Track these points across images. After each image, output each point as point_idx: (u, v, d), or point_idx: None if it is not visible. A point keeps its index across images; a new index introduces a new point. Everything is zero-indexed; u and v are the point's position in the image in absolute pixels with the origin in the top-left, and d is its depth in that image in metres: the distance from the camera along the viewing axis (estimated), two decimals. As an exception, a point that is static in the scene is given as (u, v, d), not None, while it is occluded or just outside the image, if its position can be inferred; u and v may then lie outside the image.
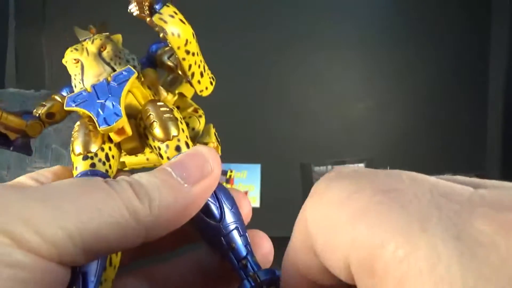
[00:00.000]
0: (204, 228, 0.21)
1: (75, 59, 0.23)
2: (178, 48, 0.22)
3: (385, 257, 0.12)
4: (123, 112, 0.20)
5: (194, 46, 0.23)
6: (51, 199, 0.16)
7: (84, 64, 0.22)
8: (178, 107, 0.25)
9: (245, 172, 1.28)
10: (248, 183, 1.28)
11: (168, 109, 0.22)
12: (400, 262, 0.12)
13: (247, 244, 0.21)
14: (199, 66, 0.23)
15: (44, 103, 0.23)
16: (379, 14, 1.26)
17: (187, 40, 0.22)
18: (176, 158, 0.20)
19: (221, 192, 0.21)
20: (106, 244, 0.16)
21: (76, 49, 0.23)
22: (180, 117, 0.22)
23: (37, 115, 0.23)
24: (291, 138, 1.23)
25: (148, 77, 0.24)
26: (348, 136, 1.24)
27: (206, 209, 0.20)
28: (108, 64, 0.22)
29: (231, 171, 1.28)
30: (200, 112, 0.26)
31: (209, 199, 0.20)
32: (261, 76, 1.24)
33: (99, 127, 0.20)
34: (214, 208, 0.21)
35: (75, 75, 0.23)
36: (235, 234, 0.21)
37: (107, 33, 0.23)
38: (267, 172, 1.24)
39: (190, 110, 0.26)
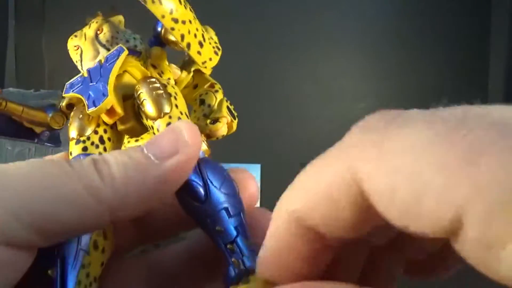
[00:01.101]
0: (189, 210, 0.19)
1: (75, 46, 0.23)
2: (163, 17, 0.21)
3: None
4: (109, 92, 0.20)
5: (183, 14, 0.21)
6: None
7: (82, 49, 0.22)
8: (196, 85, 0.24)
9: (245, 172, 1.28)
10: (248, 183, 1.28)
11: (159, 85, 0.20)
12: None
13: (238, 225, 0.18)
14: (195, 36, 0.22)
15: (64, 95, 0.23)
16: (379, 14, 1.26)
17: (172, 8, 0.21)
18: (153, 136, 0.19)
19: (209, 170, 0.19)
20: (63, 225, 0.16)
21: (76, 36, 0.23)
22: (175, 92, 0.21)
23: (59, 107, 0.23)
24: (291, 138, 1.23)
25: (154, 56, 0.23)
26: (348, 136, 1.24)
27: (190, 189, 0.19)
28: (104, 46, 0.22)
29: (231, 171, 1.28)
30: (217, 87, 0.24)
31: (193, 178, 0.19)
32: (261, 76, 1.24)
33: (87, 110, 0.20)
34: (198, 188, 0.19)
35: (77, 61, 0.22)
36: (223, 215, 0.18)
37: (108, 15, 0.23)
38: (267, 172, 1.24)
39: (206, 86, 0.24)
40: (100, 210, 0.16)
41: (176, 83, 0.24)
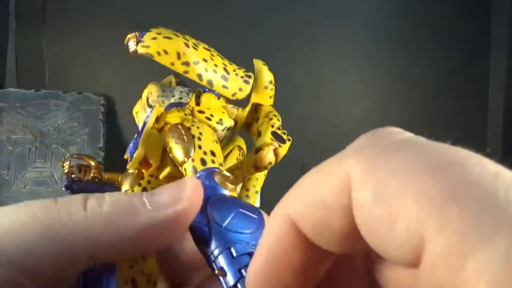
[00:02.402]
0: (202, 254, 0.18)
1: (136, 112, 0.25)
2: (172, 64, 0.21)
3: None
4: (140, 145, 0.21)
5: (193, 55, 0.22)
6: None
7: (138, 114, 0.25)
8: (257, 120, 0.25)
9: (245, 172, 1.28)
10: (248, 183, 1.28)
11: (181, 130, 0.21)
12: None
13: (243, 267, 0.16)
14: (215, 72, 0.22)
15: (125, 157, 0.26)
16: (379, 14, 1.26)
17: (178, 53, 0.21)
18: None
19: (215, 208, 0.18)
20: (40, 261, 0.15)
21: (136, 104, 0.25)
22: (200, 133, 0.21)
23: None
24: (291, 138, 1.23)
25: (201, 102, 0.24)
26: (348, 136, 1.24)
27: (196, 231, 0.18)
28: (151, 106, 0.24)
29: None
30: (271, 114, 0.24)
31: (198, 220, 0.18)
32: (261, 76, 1.24)
33: (127, 166, 0.22)
34: (203, 229, 0.17)
35: (138, 125, 0.25)
36: (224, 257, 0.17)
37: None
38: (267, 172, 1.23)
39: (263, 116, 0.24)
40: (77, 245, 0.16)
41: (236, 122, 0.25)
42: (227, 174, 0.20)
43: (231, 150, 0.27)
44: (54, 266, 0.16)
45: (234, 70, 0.24)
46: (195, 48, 0.22)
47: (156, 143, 0.22)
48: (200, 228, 0.18)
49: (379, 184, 0.11)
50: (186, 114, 0.23)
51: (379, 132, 0.13)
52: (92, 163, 0.26)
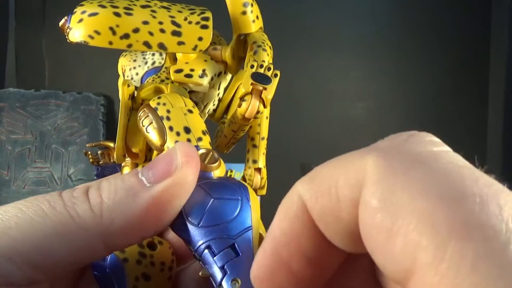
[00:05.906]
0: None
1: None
2: (111, 43, 0.19)
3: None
4: (117, 139, 0.20)
5: (129, 22, 0.19)
6: None
7: None
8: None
9: (245, 172, 1.28)
10: (248, 183, 1.28)
11: (148, 114, 0.19)
12: None
13: (226, 262, 0.15)
14: (162, 31, 0.19)
15: None
16: (379, 14, 1.26)
17: (111, 28, 0.19)
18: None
19: (188, 204, 0.17)
20: (59, 258, 0.15)
21: (118, 81, 0.25)
22: (167, 110, 0.19)
23: None
24: (291, 138, 1.23)
25: (179, 58, 0.23)
26: (348, 136, 1.24)
27: (179, 235, 0.17)
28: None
29: (231, 171, 1.28)
30: (255, 47, 0.21)
31: (176, 223, 0.17)
32: (261, 76, 1.24)
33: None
34: (182, 232, 0.17)
35: None
36: (206, 257, 0.16)
37: None
38: (267, 172, 1.23)
39: (248, 52, 0.22)
40: (90, 239, 0.16)
41: (227, 69, 0.22)
42: (206, 150, 0.18)
43: (237, 89, 0.24)
44: (69, 261, 0.16)
45: (186, 19, 0.20)
46: (129, 14, 0.18)
47: (133, 130, 0.20)
48: (180, 231, 0.17)
49: (390, 192, 0.11)
50: (162, 80, 0.20)
51: (414, 136, 0.13)
52: (111, 145, 0.24)
